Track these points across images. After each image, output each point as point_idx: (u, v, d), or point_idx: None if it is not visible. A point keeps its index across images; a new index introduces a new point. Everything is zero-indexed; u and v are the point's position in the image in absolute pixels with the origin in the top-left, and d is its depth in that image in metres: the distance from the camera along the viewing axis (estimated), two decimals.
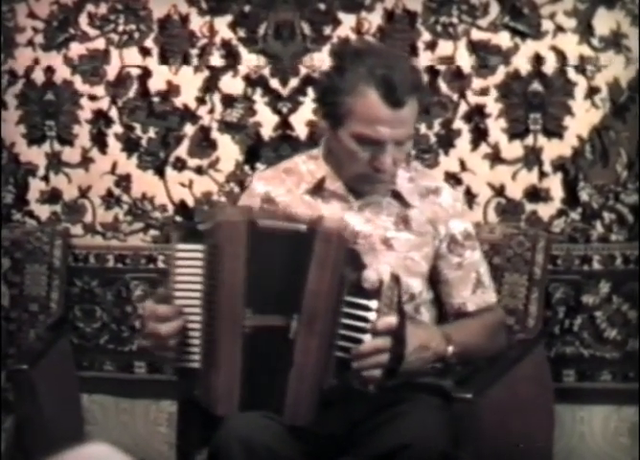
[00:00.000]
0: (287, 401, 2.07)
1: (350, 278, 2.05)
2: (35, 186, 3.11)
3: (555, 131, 2.80)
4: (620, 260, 2.78)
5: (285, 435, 2.07)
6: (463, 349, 2.25)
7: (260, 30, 2.94)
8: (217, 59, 2.97)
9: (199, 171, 3.01)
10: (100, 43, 3.03)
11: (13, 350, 2.96)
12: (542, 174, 2.82)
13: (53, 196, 3.10)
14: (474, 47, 2.83)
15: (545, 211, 2.82)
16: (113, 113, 3.04)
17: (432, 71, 2.84)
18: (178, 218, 3.02)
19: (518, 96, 2.81)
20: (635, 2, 2.73)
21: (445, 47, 2.84)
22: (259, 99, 2.96)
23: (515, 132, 2.83)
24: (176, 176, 3.02)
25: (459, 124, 2.86)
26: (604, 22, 2.75)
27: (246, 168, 2.98)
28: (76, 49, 3.04)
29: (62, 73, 3.05)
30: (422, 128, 2.84)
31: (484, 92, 2.82)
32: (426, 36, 2.85)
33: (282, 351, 2.06)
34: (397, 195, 2.37)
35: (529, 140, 2.82)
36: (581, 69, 2.77)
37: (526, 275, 2.69)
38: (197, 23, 2.97)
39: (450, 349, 2.22)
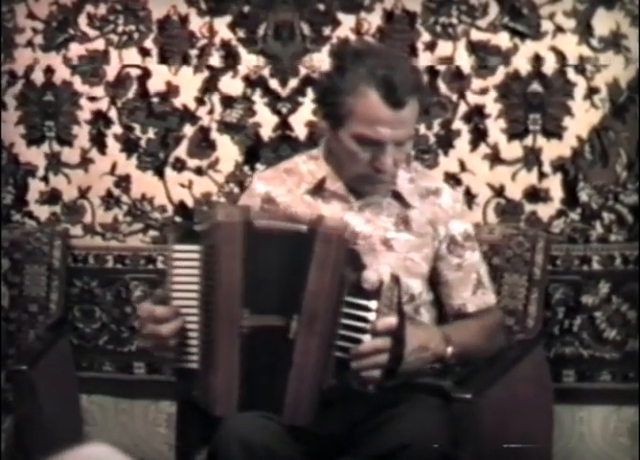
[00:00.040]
0: (287, 401, 2.07)
1: (350, 278, 2.05)
2: (35, 187, 3.11)
3: (554, 132, 2.80)
4: (619, 260, 2.78)
5: (285, 435, 2.07)
6: (462, 350, 2.25)
7: (259, 30, 2.94)
8: (216, 60, 2.97)
9: (199, 171, 3.01)
10: (99, 44, 3.03)
11: (13, 350, 2.96)
12: (542, 175, 2.82)
13: (52, 197, 3.10)
14: (474, 47, 2.83)
15: (545, 211, 2.82)
16: (112, 114, 3.04)
17: (432, 71, 2.84)
18: (178, 219, 3.02)
19: (518, 96, 2.81)
20: (635, 2, 2.73)
21: (444, 47, 2.84)
22: (258, 99, 2.96)
23: (515, 133, 2.83)
24: (176, 177, 3.02)
25: (458, 124, 2.86)
26: (603, 22, 2.76)
27: (246, 168, 2.98)
28: (75, 49, 3.04)
29: (62, 73, 3.05)
30: (422, 129, 2.84)
31: (483, 91, 2.83)
32: (426, 37, 2.85)
33: (281, 351, 2.06)
34: (397, 196, 2.37)
35: (528, 140, 2.82)
36: (580, 69, 2.77)
37: (526, 275, 2.69)
38: (197, 24, 2.97)
39: (450, 350, 2.22)
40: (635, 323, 2.77)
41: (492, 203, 2.85)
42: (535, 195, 2.83)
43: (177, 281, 2.09)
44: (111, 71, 3.03)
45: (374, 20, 2.87)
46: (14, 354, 2.95)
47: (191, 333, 2.08)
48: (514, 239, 2.71)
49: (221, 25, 2.96)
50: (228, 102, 2.97)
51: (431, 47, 2.84)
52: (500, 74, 2.82)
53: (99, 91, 3.04)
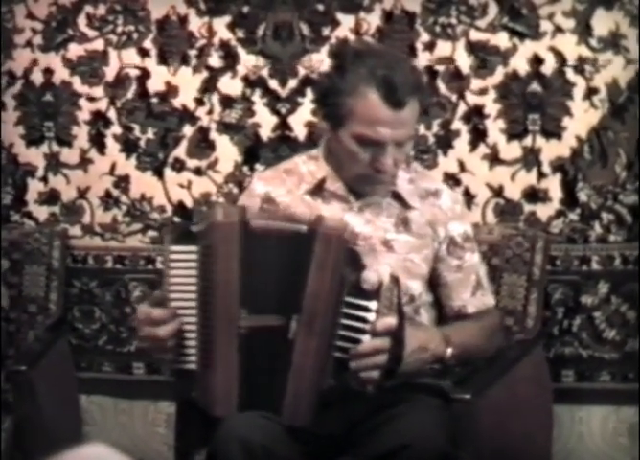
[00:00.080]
0: (286, 401, 2.07)
1: (349, 279, 2.05)
2: (34, 187, 3.11)
3: (553, 132, 2.80)
4: (619, 260, 2.78)
5: (284, 435, 2.07)
6: (462, 351, 2.25)
7: (258, 30, 2.94)
8: (215, 60, 2.97)
9: (198, 171, 3.01)
10: (98, 44, 3.03)
11: (12, 351, 2.96)
12: (541, 175, 2.82)
13: (51, 197, 3.10)
14: (473, 48, 2.83)
15: (544, 211, 2.82)
16: (112, 114, 3.04)
17: (431, 72, 2.84)
18: (177, 219, 3.02)
19: (517, 96, 2.81)
20: (634, 2, 2.73)
21: (443, 48, 2.84)
22: (257, 99, 2.96)
23: (514, 133, 2.83)
24: (175, 177, 3.02)
25: (458, 124, 2.86)
26: (602, 23, 2.76)
27: (245, 169, 2.98)
28: (74, 50, 3.04)
29: (61, 74, 3.05)
30: (421, 129, 2.84)
31: (483, 91, 2.83)
32: (425, 37, 2.85)
33: (280, 351, 2.06)
34: (397, 197, 2.37)
35: (528, 140, 2.82)
36: (579, 70, 2.77)
37: (525, 276, 2.69)
38: (196, 24, 2.97)
39: (449, 350, 2.22)
40: (634, 323, 2.77)
41: (492, 203, 2.85)
42: (534, 195, 2.83)
43: (175, 282, 2.09)
44: (110, 71, 3.03)
45: (373, 20, 2.87)
46: (14, 354, 2.94)
47: (189, 334, 2.08)
48: (514, 239, 2.71)
49: (221, 25, 2.96)
50: (227, 102, 2.97)
51: (430, 47, 2.85)
52: (499, 74, 2.82)
53: (98, 91, 3.04)
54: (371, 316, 2.03)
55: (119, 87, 3.03)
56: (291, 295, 2.06)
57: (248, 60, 2.95)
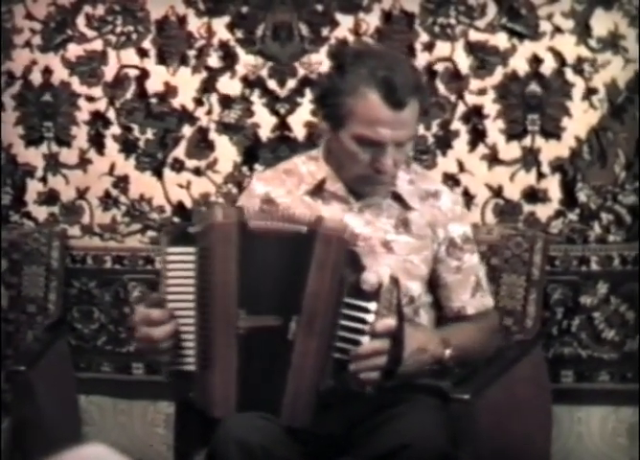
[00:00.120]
0: (285, 401, 2.07)
1: (349, 280, 2.05)
2: (33, 187, 3.11)
3: (553, 132, 2.81)
4: (618, 260, 2.79)
5: (283, 436, 2.07)
6: (460, 352, 2.25)
7: (257, 31, 2.94)
8: (214, 60, 2.97)
9: (197, 172, 3.00)
10: (97, 44, 3.03)
11: (11, 351, 2.96)
12: (540, 175, 2.82)
13: (50, 198, 3.10)
14: (472, 48, 2.83)
15: (543, 212, 2.83)
16: (111, 114, 3.04)
17: (430, 72, 2.84)
18: (176, 220, 3.01)
19: (516, 97, 2.82)
20: (633, 3, 2.73)
21: (442, 48, 2.84)
22: (256, 100, 2.96)
23: (513, 133, 2.83)
24: (174, 177, 3.02)
25: (457, 124, 2.86)
26: (601, 23, 2.76)
27: (244, 169, 2.97)
28: (73, 50, 3.04)
29: (60, 74, 3.05)
30: (420, 129, 2.83)
31: (482, 92, 2.83)
32: (424, 37, 2.85)
33: (279, 351, 2.06)
34: (397, 197, 2.37)
35: (527, 141, 2.83)
36: (578, 70, 2.77)
37: (524, 276, 2.69)
38: (195, 24, 2.97)
39: (447, 352, 2.22)
40: (634, 323, 2.77)
41: (491, 204, 2.85)
42: (533, 195, 2.83)
43: (172, 283, 2.09)
44: (109, 71, 3.03)
45: (372, 21, 2.87)
46: (13, 354, 2.94)
47: (187, 336, 2.08)
48: (513, 239, 2.71)
49: (220, 25, 2.95)
50: (226, 102, 2.97)
51: (429, 47, 2.84)
52: (498, 74, 2.82)
53: (97, 92, 3.04)
54: (370, 317, 2.03)
55: (118, 87, 3.02)
56: (291, 296, 2.06)
57: (247, 61, 2.95)
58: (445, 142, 2.86)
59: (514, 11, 2.79)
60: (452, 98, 2.85)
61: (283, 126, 2.95)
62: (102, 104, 3.04)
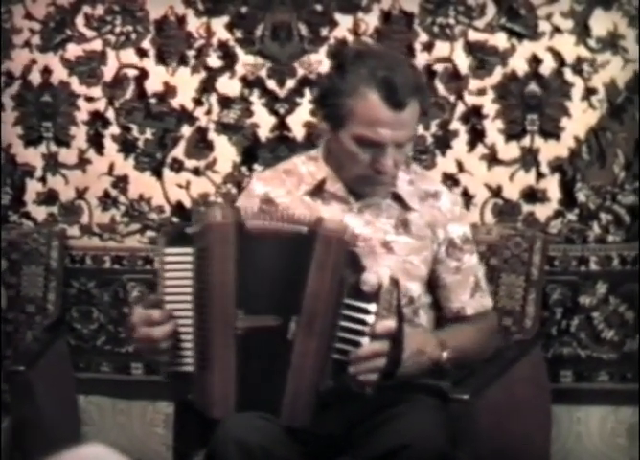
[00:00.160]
0: (284, 401, 2.06)
1: (349, 280, 2.05)
2: (32, 187, 3.10)
3: (552, 132, 2.81)
4: (617, 261, 2.79)
5: (283, 436, 2.06)
6: (457, 354, 2.25)
7: (257, 31, 2.94)
8: (213, 60, 2.97)
9: (196, 172, 3.00)
10: (96, 44, 3.02)
11: (10, 351, 2.96)
12: (539, 175, 2.82)
13: (50, 198, 3.09)
14: (471, 48, 2.83)
15: (542, 212, 2.83)
16: (110, 114, 3.04)
17: (429, 72, 2.84)
18: (175, 220, 3.01)
19: (515, 97, 2.82)
20: (632, 3, 2.73)
21: (441, 48, 2.84)
22: (256, 100, 2.96)
23: (512, 133, 2.83)
24: (173, 177, 3.02)
25: (456, 125, 2.86)
26: (600, 23, 2.76)
27: (243, 169, 2.97)
28: (72, 50, 3.04)
29: (59, 74, 3.05)
30: (420, 129, 2.83)
31: (481, 92, 2.83)
32: (423, 37, 2.85)
33: (279, 352, 2.06)
34: (397, 198, 2.37)
35: (526, 141, 2.83)
36: (578, 70, 2.78)
37: (523, 276, 2.69)
38: (194, 24, 2.97)
39: (445, 354, 2.22)
40: (633, 323, 2.78)
41: (490, 204, 2.86)
42: (532, 195, 2.83)
43: (169, 284, 2.09)
44: (109, 71, 3.03)
45: (371, 21, 2.87)
46: (12, 354, 2.94)
47: (185, 336, 2.08)
48: (512, 239, 2.71)
49: (219, 25, 2.95)
50: (226, 102, 2.97)
51: (429, 47, 2.85)
52: (498, 74, 2.82)
53: (96, 92, 3.04)
54: (370, 319, 2.02)
55: (117, 87, 3.02)
56: (290, 296, 2.06)
57: (246, 61, 2.94)
58: (444, 142, 2.87)
59: (513, 12, 2.79)
60: (451, 98, 2.85)
61: (282, 126, 2.95)
62: (101, 104, 3.04)
